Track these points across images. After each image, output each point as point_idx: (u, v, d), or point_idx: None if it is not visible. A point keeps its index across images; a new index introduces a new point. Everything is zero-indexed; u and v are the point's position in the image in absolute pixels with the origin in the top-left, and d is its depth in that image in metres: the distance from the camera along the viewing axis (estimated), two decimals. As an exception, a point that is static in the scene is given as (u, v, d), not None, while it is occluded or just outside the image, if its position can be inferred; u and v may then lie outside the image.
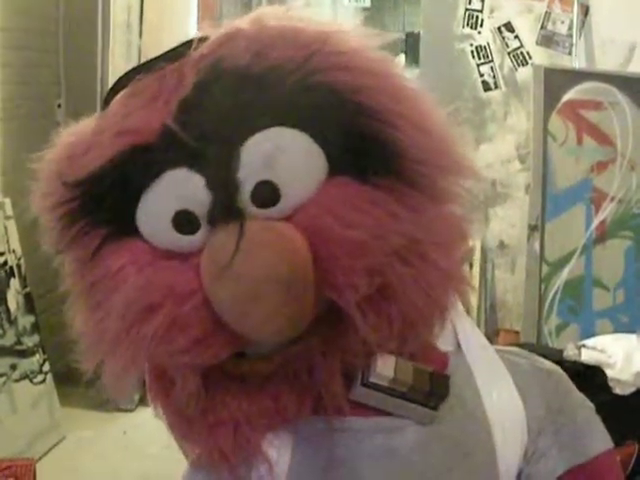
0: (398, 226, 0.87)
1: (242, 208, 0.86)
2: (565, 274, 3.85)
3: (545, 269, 3.90)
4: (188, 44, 0.91)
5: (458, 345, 1.04)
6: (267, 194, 0.86)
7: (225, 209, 0.86)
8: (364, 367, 0.93)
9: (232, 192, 0.86)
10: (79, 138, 0.94)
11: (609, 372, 2.55)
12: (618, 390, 2.56)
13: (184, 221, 0.88)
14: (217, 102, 0.87)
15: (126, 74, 0.94)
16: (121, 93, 0.94)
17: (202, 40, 0.91)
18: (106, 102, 0.95)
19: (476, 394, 1.01)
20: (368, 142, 0.89)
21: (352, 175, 0.88)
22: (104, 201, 0.90)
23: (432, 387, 0.95)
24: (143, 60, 0.96)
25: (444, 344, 1.02)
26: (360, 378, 0.94)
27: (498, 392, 1.01)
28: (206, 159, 0.86)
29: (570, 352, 2.62)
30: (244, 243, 0.82)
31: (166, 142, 0.87)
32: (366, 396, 0.95)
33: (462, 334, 1.05)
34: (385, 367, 0.94)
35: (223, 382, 0.94)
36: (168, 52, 0.92)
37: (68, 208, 0.92)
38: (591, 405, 1.06)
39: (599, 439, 1.03)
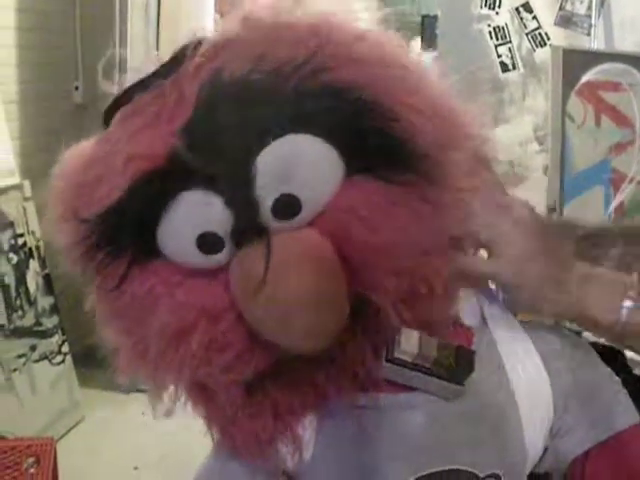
0: (422, 225, 0.87)
1: (265, 225, 0.84)
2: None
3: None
4: (182, 53, 0.88)
5: (483, 320, 1.04)
6: (288, 207, 0.85)
7: (248, 228, 0.84)
8: (389, 343, 0.94)
9: (253, 210, 0.84)
10: (86, 164, 0.93)
11: (628, 353, 2.54)
12: (637, 371, 2.55)
13: (208, 243, 0.86)
14: (223, 118, 0.84)
15: (124, 92, 0.92)
16: (121, 111, 0.92)
17: (196, 47, 0.87)
18: (105, 121, 0.94)
19: (502, 369, 1.01)
20: (382, 139, 0.86)
21: (370, 174, 0.86)
22: (124, 230, 0.88)
23: (457, 362, 0.95)
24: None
25: (469, 319, 1.02)
26: (385, 354, 0.94)
27: (524, 367, 1.01)
28: (221, 179, 0.83)
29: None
30: (273, 261, 0.81)
31: (176, 165, 0.84)
32: (391, 372, 0.95)
33: (487, 309, 1.04)
34: (409, 343, 0.94)
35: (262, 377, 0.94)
36: (163, 67, 0.89)
37: (88, 244, 0.90)
38: (618, 379, 1.06)
39: (626, 413, 1.03)
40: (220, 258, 0.87)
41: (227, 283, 0.87)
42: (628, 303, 0.96)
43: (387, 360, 0.94)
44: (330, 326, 0.84)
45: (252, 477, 1.02)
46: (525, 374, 1.01)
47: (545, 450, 1.03)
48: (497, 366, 1.01)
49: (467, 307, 1.02)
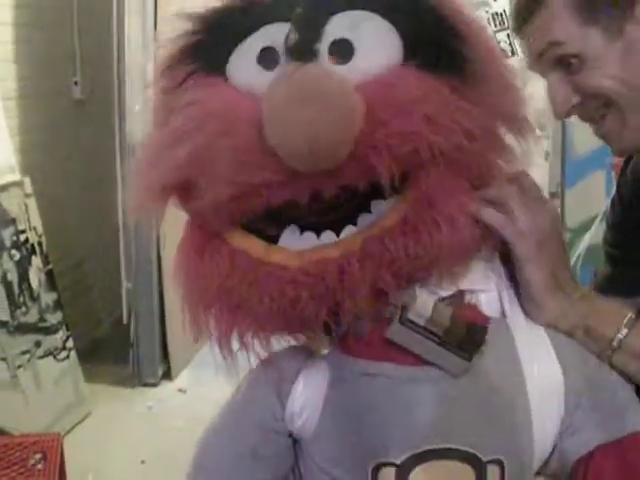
0: (460, 116, 0.92)
1: (317, 50, 0.94)
2: (587, 240, 3.83)
3: (567, 236, 3.88)
4: None
5: (503, 314, 1.04)
6: (342, 46, 0.94)
7: (303, 46, 0.94)
8: (402, 306, 0.95)
9: (314, 35, 0.94)
10: None
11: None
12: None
13: (267, 56, 0.96)
14: None
15: None
16: None
17: None
18: None
19: (516, 360, 1.01)
20: (440, 32, 0.96)
21: (424, 67, 0.93)
22: (212, 39, 1.00)
23: (468, 335, 0.96)
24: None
25: (489, 310, 1.02)
26: (398, 316, 0.95)
27: (539, 362, 1.02)
28: (302, 17, 0.95)
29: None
30: (302, 84, 0.86)
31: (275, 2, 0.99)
32: (402, 335, 0.96)
33: (507, 303, 1.05)
34: (423, 307, 0.95)
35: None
36: None
37: (188, 41, 1.01)
38: (630, 385, 1.06)
39: (635, 418, 1.03)
40: (270, 76, 0.93)
41: None
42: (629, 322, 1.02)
43: (400, 322, 0.95)
44: (331, 140, 0.86)
45: (263, 433, 1.06)
46: (539, 369, 1.01)
47: (552, 450, 1.03)
48: (511, 356, 1.01)
49: (487, 298, 1.03)
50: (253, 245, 0.97)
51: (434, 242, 0.93)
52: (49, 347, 3.75)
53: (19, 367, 3.53)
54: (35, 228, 3.76)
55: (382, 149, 0.88)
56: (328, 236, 0.95)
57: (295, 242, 0.96)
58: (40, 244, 3.79)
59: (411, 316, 0.95)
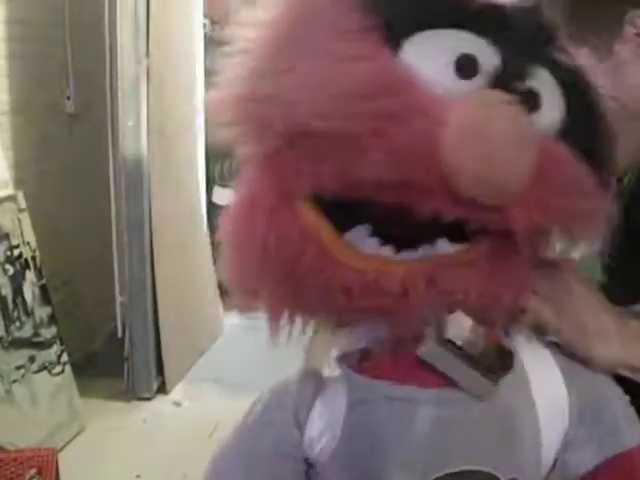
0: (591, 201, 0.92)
1: (517, 90, 0.89)
2: (579, 251, 3.83)
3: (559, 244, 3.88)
4: None
5: (506, 332, 1.04)
6: (532, 99, 0.90)
7: (510, 80, 0.89)
8: (438, 325, 0.94)
9: (521, 74, 0.90)
10: None
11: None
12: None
13: (465, 64, 0.88)
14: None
15: None
16: None
17: None
18: None
19: (524, 377, 1.01)
20: (591, 117, 0.97)
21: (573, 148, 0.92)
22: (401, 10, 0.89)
23: (499, 358, 0.95)
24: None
25: None
26: (435, 336, 0.94)
27: (545, 379, 1.02)
28: (516, 52, 0.91)
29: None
30: (505, 115, 0.84)
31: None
32: (436, 355, 0.94)
33: None
34: (461, 327, 0.93)
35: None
36: None
37: None
38: (626, 398, 1.06)
39: (635, 432, 1.04)
40: (463, 85, 0.87)
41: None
42: None
43: (436, 341, 0.93)
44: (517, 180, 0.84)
45: (280, 460, 1.04)
46: (546, 385, 1.01)
47: (555, 462, 1.03)
48: (519, 374, 1.01)
49: None
50: (324, 229, 0.91)
51: (491, 297, 0.94)
52: (44, 362, 3.74)
53: (14, 382, 3.52)
54: (29, 243, 3.76)
55: (532, 211, 0.87)
56: (387, 250, 0.91)
57: (361, 242, 0.91)
58: (34, 258, 3.78)
59: (450, 336, 0.93)
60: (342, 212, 0.90)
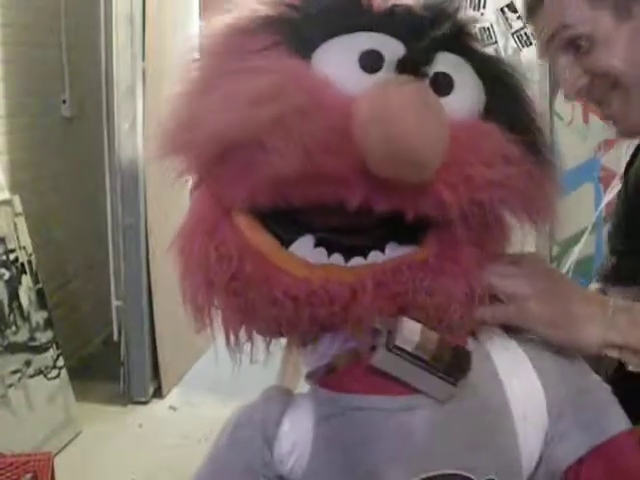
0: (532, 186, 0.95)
1: (426, 74, 0.94)
2: (575, 254, 3.84)
3: (555, 249, 3.89)
4: None
5: (473, 334, 1.04)
6: (444, 81, 0.96)
7: (415, 65, 0.93)
8: (389, 333, 0.94)
9: (427, 58, 0.95)
10: None
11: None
12: (632, 367, 2.54)
13: (370, 59, 0.93)
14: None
15: None
16: None
17: None
18: None
19: (495, 377, 1.01)
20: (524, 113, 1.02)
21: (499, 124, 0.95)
22: (305, 21, 0.96)
23: (455, 360, 0.95)
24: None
25: None
26: (385, 343, 0.94)
27: (518, 378, 1.02)
28: (418, 38, 0.95)
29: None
30: (409, 99, 0.85)
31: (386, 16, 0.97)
32: (388, 362, 0.95)
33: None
34: (411, 332, 0.94)
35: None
36: None
37: (278, 12, 0.97)
38: (608, 386, 1.07)
39: (618, 419, 1.04)
40: (369, 79, 0.91)
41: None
42: None
43: (387, 349, 0.94)
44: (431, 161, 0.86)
45: (250, 475, 1.02)
46: (519, 383, 1.02)
47: (540, 459, 1.03)
48: (491, 374, 1.01)
49: None
50: (265, 241, 0.94)
51: (448, 294, 0.96)
52: (40, 366, 3.73)
53: (10, 386, 3.52)
54: (24, 247, 3.75)
55: (459, 186, 0.89)
56: (337, 258, 0.94)
57: (306, 253, 0.94)
58: (30, 263, 3.78)
59: (399, 342, 0.93)
60: (285, 224, 0.94)
